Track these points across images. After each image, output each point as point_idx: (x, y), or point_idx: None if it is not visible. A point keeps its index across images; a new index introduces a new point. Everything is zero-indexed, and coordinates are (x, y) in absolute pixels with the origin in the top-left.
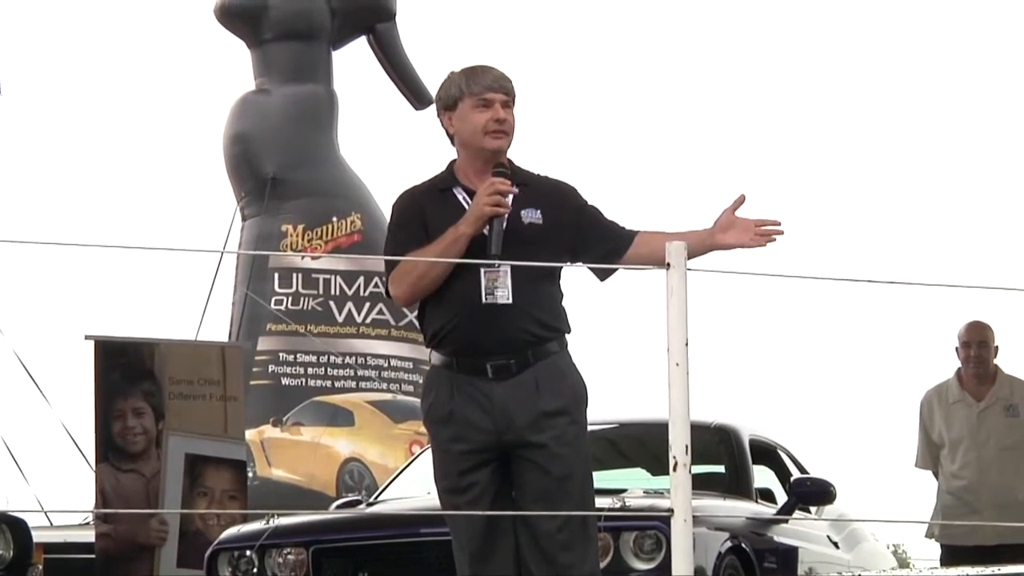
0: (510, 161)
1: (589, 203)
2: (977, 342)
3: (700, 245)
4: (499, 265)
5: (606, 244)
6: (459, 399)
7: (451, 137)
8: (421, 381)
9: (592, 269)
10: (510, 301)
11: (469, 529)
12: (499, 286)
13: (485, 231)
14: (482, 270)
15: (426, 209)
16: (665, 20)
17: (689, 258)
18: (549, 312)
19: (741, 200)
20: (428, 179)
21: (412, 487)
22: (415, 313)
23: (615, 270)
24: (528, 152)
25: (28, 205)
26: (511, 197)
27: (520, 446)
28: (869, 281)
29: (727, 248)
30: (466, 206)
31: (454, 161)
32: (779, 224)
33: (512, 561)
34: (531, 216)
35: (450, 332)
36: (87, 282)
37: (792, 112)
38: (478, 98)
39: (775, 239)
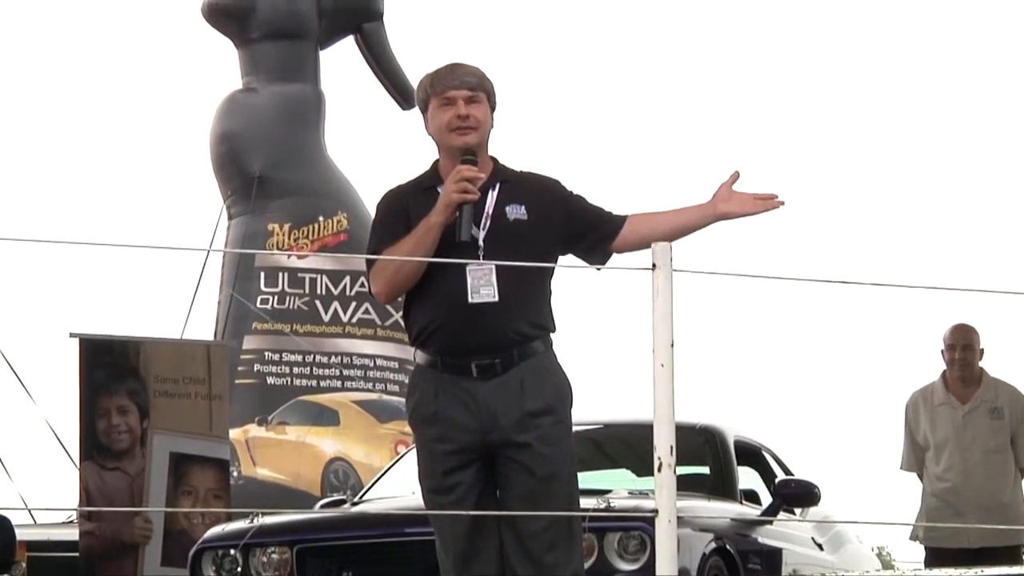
0: (493, 159)
1: (574, 192)
2: (962, 345)
3: (702, 218)
4: (484, 262)
5: (597, 231)
6: (444, 399)
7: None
8: (407, 381)
9: (584, 258)
10: (496, 299)
11: (453, 529)
12: (484, 284)
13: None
14: (467, 268)
15: (410, 207)
16: (653, 14)
17: (692, 232)
18: (536, 310)
19: (736, 176)
20: (414, 178)
21: (397, 487)
22: (401, 313)
23: (610, 255)
24: (518, 147)
25: (13, 203)
26: (496, 190)
27: (505, 446)
28: (855, 283)
29: (733, 217)
30: None
31: (438, 160)
32: (776, 196)
33: (496, 561)
34: (516, 212)
35: (435, 331)
36: (73, 280)
37: (780, 113)
38: (441, 97)
39: (780, 205)
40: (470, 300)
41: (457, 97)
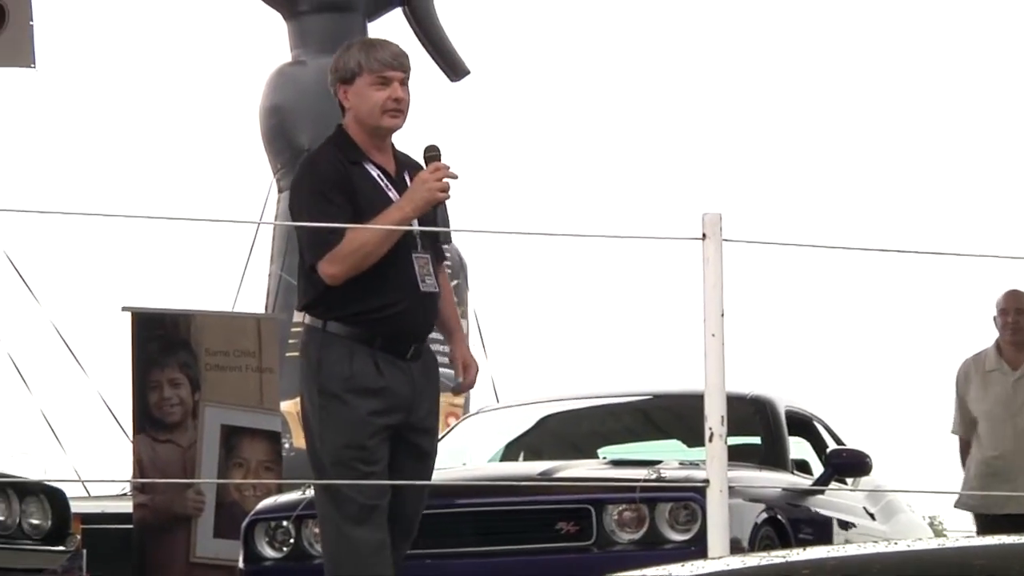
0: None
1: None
2: (1015, 309)
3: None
4: (423, 253)
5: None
6: (390, 377)
7: (343, 110)
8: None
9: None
10: (437, 289)
11: (372, 489)
12: (427, 274)
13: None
14: (413, 256)
15: (351, 181)
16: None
17: None
18: None
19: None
20: (330, 147)
21: (447, 458)
22: None
23: None
24: (531, 130)
25: (66, 178)
26: (407, 176)
27: (412, 430)
28: (904, 251)
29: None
30: (382, 183)
31: (346, 134)
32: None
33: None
34: None
35: (391, 315)
36: (124, 253)
37: (828, 81)
38: (376, 75)
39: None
40: (421, 289)
41: (394, 78)
